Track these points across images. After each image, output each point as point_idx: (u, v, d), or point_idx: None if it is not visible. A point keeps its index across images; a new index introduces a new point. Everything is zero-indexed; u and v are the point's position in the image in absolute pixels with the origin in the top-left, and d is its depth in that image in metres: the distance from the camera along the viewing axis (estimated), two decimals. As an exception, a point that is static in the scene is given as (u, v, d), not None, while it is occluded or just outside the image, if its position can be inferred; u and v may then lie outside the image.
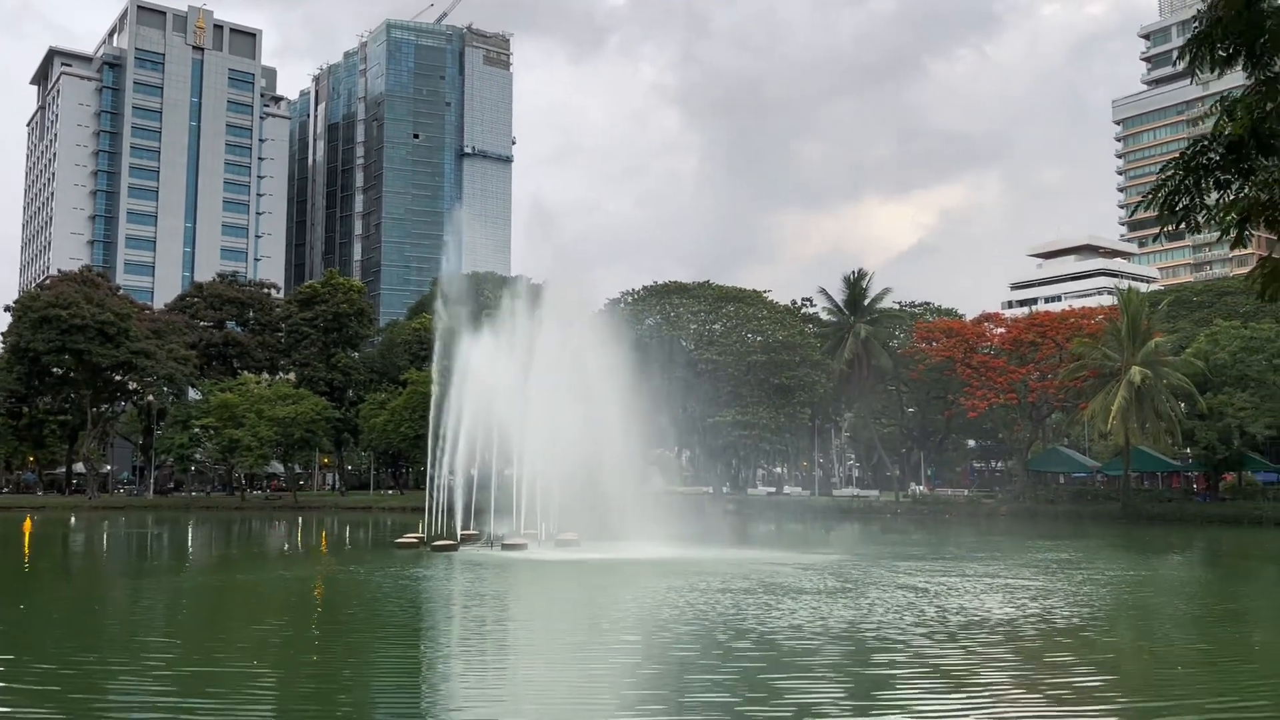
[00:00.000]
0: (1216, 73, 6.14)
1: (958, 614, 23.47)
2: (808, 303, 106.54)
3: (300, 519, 77.77)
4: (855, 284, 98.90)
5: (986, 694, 15.74)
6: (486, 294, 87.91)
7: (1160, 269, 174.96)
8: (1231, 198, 5.63)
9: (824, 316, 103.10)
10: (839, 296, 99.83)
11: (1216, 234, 5.77)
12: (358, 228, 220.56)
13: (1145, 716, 14.85)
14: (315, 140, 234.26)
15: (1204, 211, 5.70)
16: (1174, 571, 38.62)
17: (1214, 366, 73.83)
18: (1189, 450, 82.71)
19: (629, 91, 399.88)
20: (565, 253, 54.16)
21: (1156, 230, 6.27)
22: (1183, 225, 5.85)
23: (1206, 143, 5.45)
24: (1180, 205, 5.64)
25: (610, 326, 66.96)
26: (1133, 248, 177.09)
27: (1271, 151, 5.32)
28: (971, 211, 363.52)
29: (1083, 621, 23.12)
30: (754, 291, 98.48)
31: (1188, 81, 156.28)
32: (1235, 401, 72.84)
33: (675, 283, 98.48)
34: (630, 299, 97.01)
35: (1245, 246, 6.26)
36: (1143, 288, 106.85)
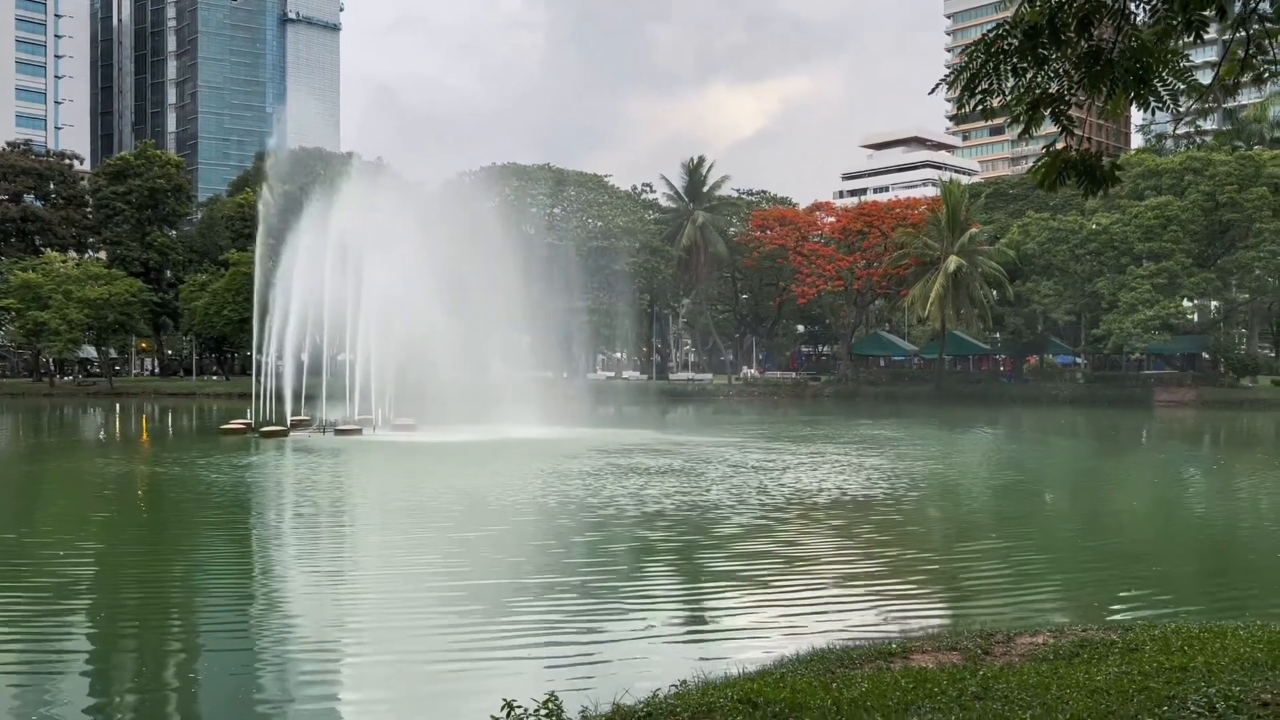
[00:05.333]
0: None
1: (796, 492, 24.73)
2: (648, 188, 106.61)
3: (117, 406, 74.06)
4: (694, 171, 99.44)
5: (832, 572, 16.76)
6: (315, 170, 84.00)
7: (981, 162, 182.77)
8: (1025, 85, 5.86)
9: (664, 203, 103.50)
10: (679, 183, 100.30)
11: (1014, 122, 6.01)
12: (172, 96, 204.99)
13: (952, 578, 16.22)
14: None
15: (999, 97, 5.92)
16: (982, 447, 41.67)
17: (1024, 255, 78.58)
18: (998, 335, 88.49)
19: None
20: (402, 130, 52.15)
21: (955, 111, 6.49)
22: (979, 109, 6.07)
23: (1007, 27, 5.63)
24: (979, 89, 5.85)
25: (447, 208, 65.18)
26: (957, 141, 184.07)
27: (1062, 43, 5.55)
28: (814, 101, 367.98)
29: (918, 494, 24.77)
30: (595, 176, 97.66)
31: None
32: (1041, 289, 78.07)
33: (514, 164, 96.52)
34: (468, 180, 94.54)
35: (1032, 137, 6.56)
36: (964, 180, 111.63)
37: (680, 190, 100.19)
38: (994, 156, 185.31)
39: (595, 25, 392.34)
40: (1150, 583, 15.66)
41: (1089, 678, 7.20)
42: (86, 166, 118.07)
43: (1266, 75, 7.76)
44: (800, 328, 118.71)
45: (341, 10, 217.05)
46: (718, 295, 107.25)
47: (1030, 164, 6.70)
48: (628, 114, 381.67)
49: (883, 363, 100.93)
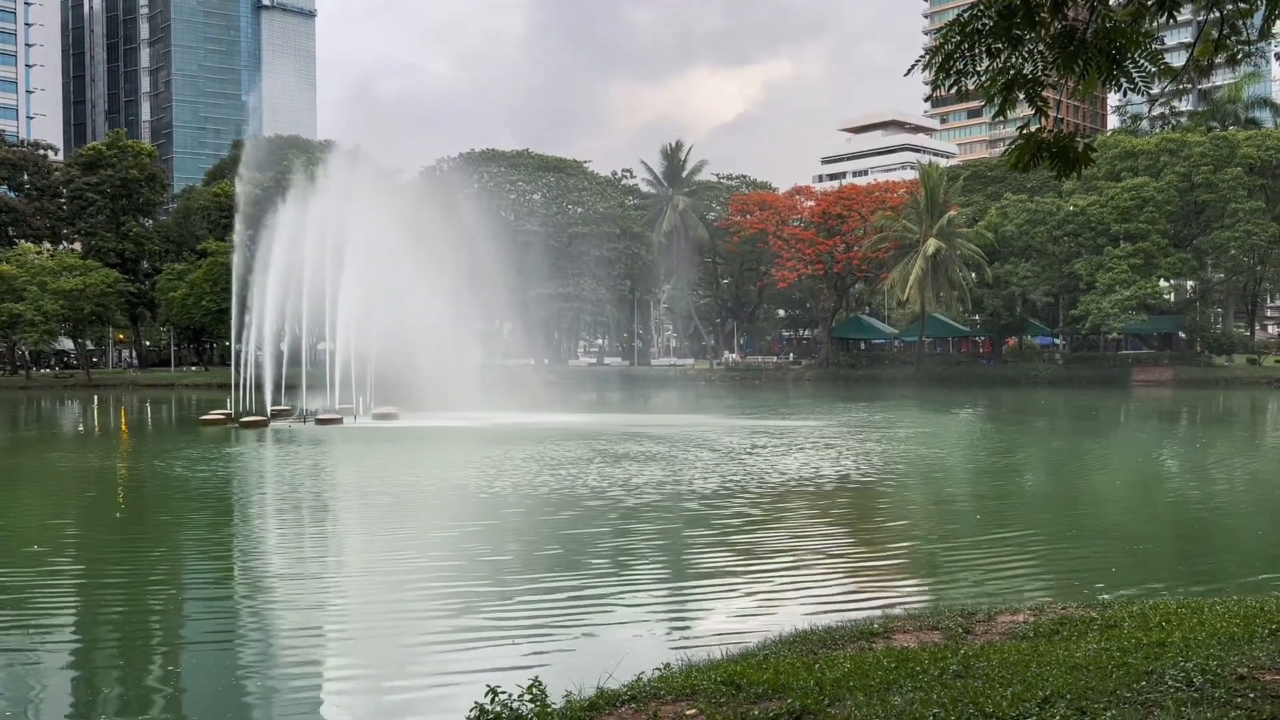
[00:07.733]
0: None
1: (780, 475, 24.80)
2: (628, 174, 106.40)
3: (95, 398, 73.46)
4: (673, 156, 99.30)
5: (815, 553, 16.83)
6: (292, 158, 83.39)
7: (959, 144, 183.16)
8: (1000, 66, 5.85)
9: (644, 188, 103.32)
10: (658, 168, 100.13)
11: (989, 104, 6.01)
12: (145, 85, 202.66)
13: (936, 559, 16.33)
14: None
15: (975, 78, 5.92)
16: (964, 428, 41.91)
17: (1002, 237, 78.93)
18: (977, 317, 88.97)
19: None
20: (380, 116, 51.84)
21: (930, 91, 6.51)
22: (955, 90, 6.07)
23: (982, 7, 5.63)
24: (954, 70, 5.84)
25: (425, 195, 64.93)
26: (935, 124, 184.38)
27: (1036, 24, 5.55)
28: (796, 85, 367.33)
29: (901, 476, 24.89)
30: (574, 161, 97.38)
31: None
32: (1019, 271, 78.47)
33: (492, 150, 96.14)
34: (446, 166, 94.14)
35: (1007, 119, 6.57)
36: (942, 163, 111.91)
37: (660, 175, 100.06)
38: (972, 139, 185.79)
39: (575, 9, 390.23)
40: (1130, 560, 15.81)
41: (1068, 654, 7.27)
42: (60, 156, 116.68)
43: (1240, 56, 7.80)
44: (781, 312, 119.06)
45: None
46: (698, 280, 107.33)
47: (1006, 145, 6.70)
48: (608, 99, 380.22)
49: (863, 346, 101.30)
